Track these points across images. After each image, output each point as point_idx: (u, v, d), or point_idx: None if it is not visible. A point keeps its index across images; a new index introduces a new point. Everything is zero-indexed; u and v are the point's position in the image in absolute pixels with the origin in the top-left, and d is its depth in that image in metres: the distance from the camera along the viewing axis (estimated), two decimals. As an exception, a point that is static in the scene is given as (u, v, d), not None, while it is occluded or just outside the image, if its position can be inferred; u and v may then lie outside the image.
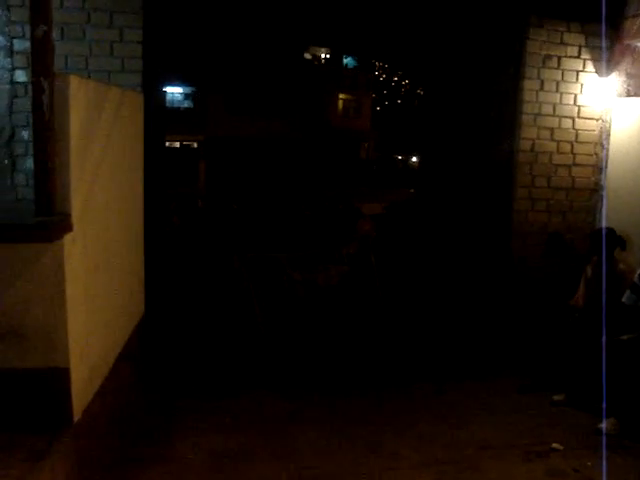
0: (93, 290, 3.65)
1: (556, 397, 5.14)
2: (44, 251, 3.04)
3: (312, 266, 6.73)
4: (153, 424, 4.57)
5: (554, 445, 4.38)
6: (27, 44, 3.82)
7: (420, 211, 8.15)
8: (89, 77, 4.92)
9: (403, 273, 7.30)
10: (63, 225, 3.07)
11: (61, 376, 3.15)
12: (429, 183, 8.02)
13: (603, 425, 4.57)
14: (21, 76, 4.95)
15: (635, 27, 5.77)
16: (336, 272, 6.76)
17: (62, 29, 4.97)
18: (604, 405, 4.64)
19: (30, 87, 3.04)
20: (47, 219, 3.02)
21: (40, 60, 2.99)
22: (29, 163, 4.76)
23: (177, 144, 29.35)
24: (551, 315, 5.47)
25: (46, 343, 3.11)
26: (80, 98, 3.30)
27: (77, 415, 3.28)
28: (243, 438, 4.40)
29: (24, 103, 4.76)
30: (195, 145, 29.78)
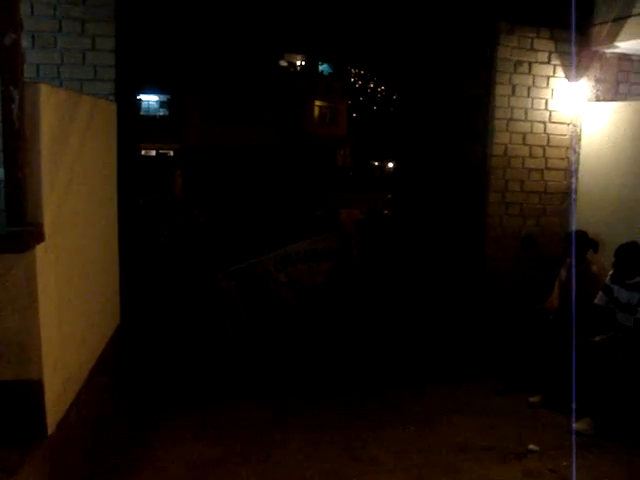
0: (67, 301, 3.62)
1: (532, 399, 5.20)
2: (15, 262, 3.00)
3: (294, 266, 6.63)
4: (130, 435, 4.53)
5: (530, 446, 4.43)
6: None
7: (397, 218, 8.19)
8: (61, 86, 4.89)
9: (382, 276, 7.28)
10: (34, 235, 3.04)
11: (34, 388, 3.11)
12: (405, 189, 8.06)
13: (578, 425, 4.63)
14: (-9, 85, 4.90)
15: (603, 34, 5.88)
16: (320, 269, 6.64)
17: (33, 37, 4.92)
18: (578, 406, 4.70)
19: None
20: (18, 229, 2.99)
21: (9, 69, 2.96)
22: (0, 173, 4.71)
23: (153, 152, 29.19)
24: (526, 318, 5.53)
25: (19, 355, 3.07)
26: (51, 107, 3.27)
27: (51, 427, 3.23)
28: (223, 447, 4.38)
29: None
30: (171, 153, 29.64)
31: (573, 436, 4.50)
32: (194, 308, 6.49)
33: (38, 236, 3.07)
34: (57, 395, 3.35)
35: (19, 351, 3.07)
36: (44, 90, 3.15)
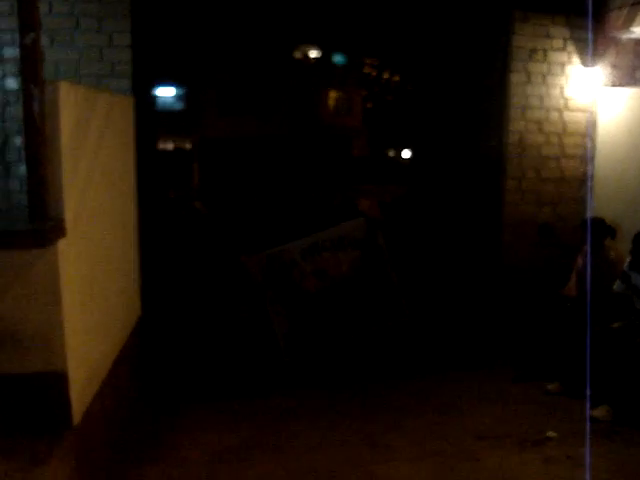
0: (89, 293, 3.70)
1: (550, 386, 5.20)
2: (38, 257, 3.07)
3: (320, 255, 6.32)
4: (153, 425, 4.62)
5: (549, 433, 4.44)
6: (17, 51, 3.87)
7: (414, 206, 8.20)
8: (79, 83, 4.96)
9: (403, 263, 7.21)
10: (56, 230, 3.11)
11: (59, 380, 3.18)
12: (421, 178, 8.07)
13: (596, 412, 4.64)
14: (12, 83, 4.99)
15: (619, 19, 5.83)
16: (346, 258, 6.38)
17: (51, 35, 5.01)
18: (596, 393, 4.70)
19: (21, 94, 3.08)
20: (40, 225, 3.06)
21: (29, 67, 3.03)
22: (22, 169, 4.79)
23: (171, 146, 29.31)
24: (543, 305, 5.53)
25: (43, 348, 3.15)
26: (70, 104, 3.34)
27: (77, 418, 3.31)
28: (243, 435, 4.44)
29: (16, 110, 4.79)
30: (189, 147, 29.74)
31: (591, 423, 4.50)
32: (212, 296, 6.47)
33: (60, 231, 3.14)
34: (82, 386, 3.43)
35: (44, 343, 3.15)
36: (63, 87, 3.21)
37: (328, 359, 5.87)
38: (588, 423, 4.48)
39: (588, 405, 4.68)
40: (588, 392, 4.69)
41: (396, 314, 6.28)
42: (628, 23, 5.79)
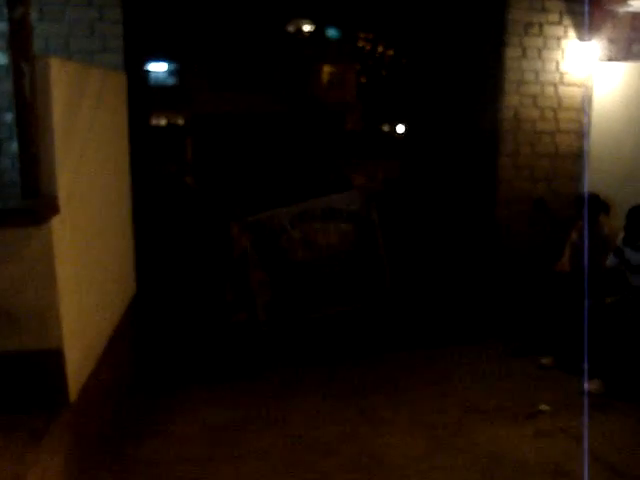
0: (83, 271, 3.69)
1: (543, 360, 5.25)
2: (32, 234, 3.07)
3: (310, 224, 6.16)
4: (149, 401, 4.65)
5: (542, 406, 4.50)
6: (6, 26, 3.79)
7: (407, 182, 8.17)
8: (70, 58, 4.90)
9: (397, 237, 7.16)
10: (50, 208, 3.09)
11: (55, 357, 3.20)
12: (415, 153, 8.03)
13: (589, 385, 4.69)
14: (1, 59, 4.91)
15: (615, -8, 5.78)
16: (335, 230, 6.23)
17: (41, 9, 4.92)
18: (590, 367, 4.75)
19: (11, 70, 3.03)
20: (33, 202, 3.05)
21: (19, 43, 2.99)
22: (14, 147, 4.74)
23: (163, 122, 29.15)
24: (537, 280, 5.56)
25: (39, 325, 3.16)
26: (62, 81, 3.30)
27: (73, 395, 3.34)
28: (238, 411, 4.49)
29: (6, 85, 4.72)
30: (181, 123, 29.57)
31: (584, 396, 4.56)
32: (200, 272, 6.30)
33: (53, 208, 3.13)
34: (78, 363, 3.44)
35: (39, 321, 3.16)
36: (54, 63, 3.17)
37: (311, 332, 5.82)
38: (582, 396, 4.54)
39: (583, 379, 4.73)
40: (582, 366, 4.74)
41: (380, 289, 6.23)
42: (625, -4, 5.75)
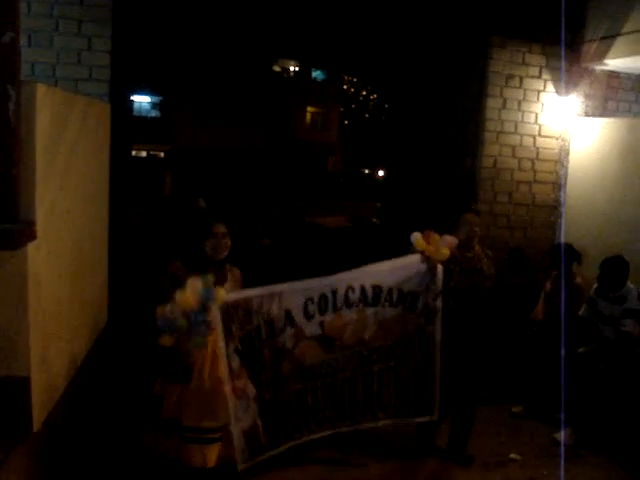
0: (56, 298, 3.63)
1: (515, 409, 5.24)
2: (7, 259, 3.02)
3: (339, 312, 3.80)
4: (117, 434, 4.52)
5: (512, 455, 4.47)
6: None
7: (386, 226, 8.22)
8: (56, 85, 4.91)
9: None
10: (27, 233, 3.06)
11: (21, 385, 3.13)
12: (395, 198, 8.11)
13: (560, 435, 4.68)
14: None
15: (593, 51, 5.98)
16: (375, 319, 3.90)
17: (30, 36, 4.95)
18: (561, 416, 4.75)
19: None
20: (11, 227, 3.01)
21: (7, 67, 2.99)
22: (-7, 170, 4.71)
23: (144, 153, 29.17)
24: (510, 328, 5.58)
25: (7, 351, 3.09)
26: (47, 107, 3.30)
27: (37, 424, 3.25)
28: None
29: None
30: (162, 155, 29.63)
31: (555, 446, 4.55)
32: None
33: (30, 234, 3.09)
34: (44, 393, 3.37)
35: (7, 348, 3.09)
36: (40, 89, 3.18)
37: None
38: (552, 446, 4.53)
39: (554, 428, 4.72)
40: (554, 416, 4.74)
41: None
42: (601, 55, 5.95)
